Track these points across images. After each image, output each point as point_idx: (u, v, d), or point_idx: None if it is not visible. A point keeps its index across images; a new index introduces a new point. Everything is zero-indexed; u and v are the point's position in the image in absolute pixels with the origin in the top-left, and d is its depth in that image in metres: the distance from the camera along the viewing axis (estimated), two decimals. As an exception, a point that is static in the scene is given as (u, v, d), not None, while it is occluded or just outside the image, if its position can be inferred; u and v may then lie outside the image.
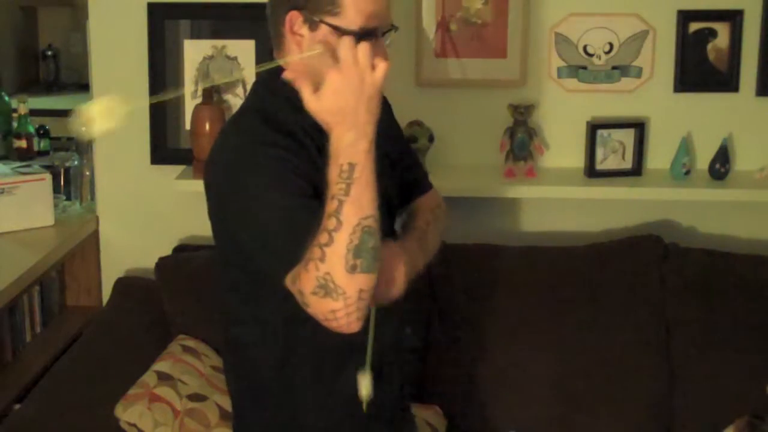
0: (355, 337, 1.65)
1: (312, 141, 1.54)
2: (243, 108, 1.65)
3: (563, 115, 2.71)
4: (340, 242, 1.37)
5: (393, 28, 1.59)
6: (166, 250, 2.68)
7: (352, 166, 1.39)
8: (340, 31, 1.50)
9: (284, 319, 1.62)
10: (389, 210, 1.69)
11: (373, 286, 1.41)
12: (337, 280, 1.37)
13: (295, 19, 1.53)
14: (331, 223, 1.38)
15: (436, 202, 1.84)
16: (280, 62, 1.55)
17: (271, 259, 1.48)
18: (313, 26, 1.52)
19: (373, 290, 1.42)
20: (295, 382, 1.66)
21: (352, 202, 1.38)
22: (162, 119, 2.72)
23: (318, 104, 1.42)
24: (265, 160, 1.49)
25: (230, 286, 1.68)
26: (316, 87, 1.42)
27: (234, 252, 1.60)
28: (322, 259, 1.37)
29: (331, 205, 1.39)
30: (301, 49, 1.54)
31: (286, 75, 1.48)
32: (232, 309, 1.70)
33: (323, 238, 1.38)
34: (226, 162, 1.55)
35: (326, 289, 1.38)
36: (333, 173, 1.40)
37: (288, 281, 1.44)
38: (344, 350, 1.65)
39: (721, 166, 2.64)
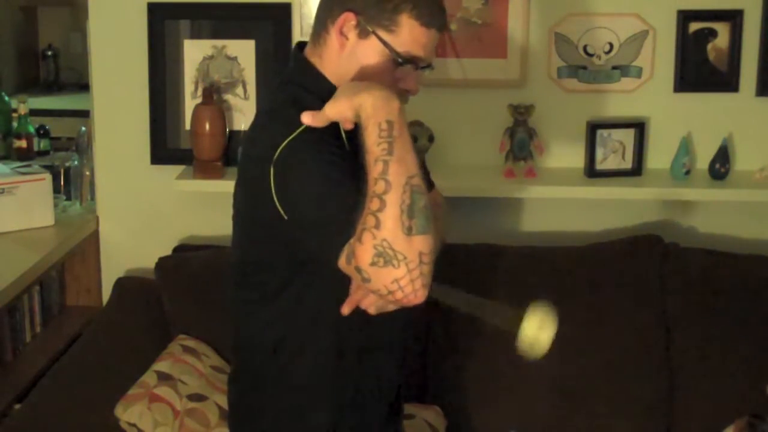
0: (372, 335, 1.65)
1: (344, 135, 1.53)
2: (281, 103, 1.60)
3: (563, 115, 2.71)
4: (392, 204, 1.33)
5: (430, 66, 1.60)
6: (166, 250, 2.68)
7: (390, 123, 1.37)
8: (388, 48, 1.52)
9: (305, 318, 1.62)
10: None
11: (433, 249, 1.37)
12: (395, 245, 1.33)
13: (348, 20, 1.54)
14: (379, 186, 1.35)
15: (437, 201, 1.84)
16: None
17: (326, 240, 1.43)
18: (363, 34, 1.53)
19: (434, 257, 1.37)
20: (308, 381, 1.66)
21: (398, 161, 1.36)
22: (162, 119, 2.72)
23: (336, 101, 1.43)
24: (314, 148, 1.47)
25: (255, 285, 1.65)
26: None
27: (275, 247, 1.57)
28: (377, 226, 1.33)
29: (375, 169, 1.36)
30: (342, 50, 1.55)
31: (304, 119, 1.47)
32: (250, 309, 1.68)
33: (374, 204, 1.34)
34: (277, 155, 1.49)
35: (385, 257, 1.33)
36: (372, 136, 1.38)
37: (343, 262, 1.39)
38: (361, 349, 1.65)
39: (721, 166, 2.64)
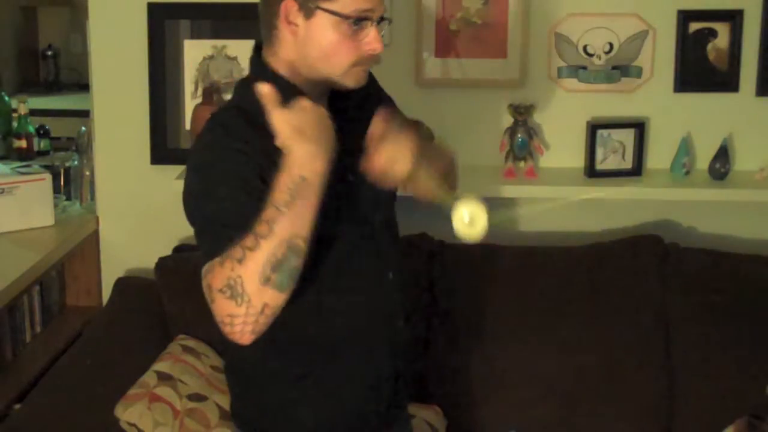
0: (349, 328, 1.64)
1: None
2: (223, 108, 1.65)
3: (563, 115, 2.71)
4: (263, 251, 1.35)
5: (386, 19, 1.59)
6: (166, 250, 2.68)
7: (303, 180, 1.38)
8: (336, 16, 1.51)
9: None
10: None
11: (279, 308, 1.39)
12: (247, 286, 1.35)
13: (290, 8, 1.53)
14: (262, 229, 1.36)
15: (448, 156, 1.85)
16: None
17: (203, 245, 1.46)
18: (308, 13, 1.52)
19: (277, 312, 1.39)
20: (287, 376, 1.66)
21: (291, 217, 1.37)
22: (162, 119, 2.72)
23: (283, 116, 1.41)
24: (230, 155, 1.48)
25: None
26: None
27: None
28: (240, 261, 1.35)
29: (268, 212, 1.37)
30: (296, 38, 1.54)
31: (260, 89, 1.46)
32: None
33: (250, 241, 1.36)
34: (195, 151, 1.57)
35: (233, 291, 1.36)
36: (282, 181, 1.38)
37: (203, 271, 1.42)
38: (340, 342, 1.65)
39: (721, 166, 2.64)
